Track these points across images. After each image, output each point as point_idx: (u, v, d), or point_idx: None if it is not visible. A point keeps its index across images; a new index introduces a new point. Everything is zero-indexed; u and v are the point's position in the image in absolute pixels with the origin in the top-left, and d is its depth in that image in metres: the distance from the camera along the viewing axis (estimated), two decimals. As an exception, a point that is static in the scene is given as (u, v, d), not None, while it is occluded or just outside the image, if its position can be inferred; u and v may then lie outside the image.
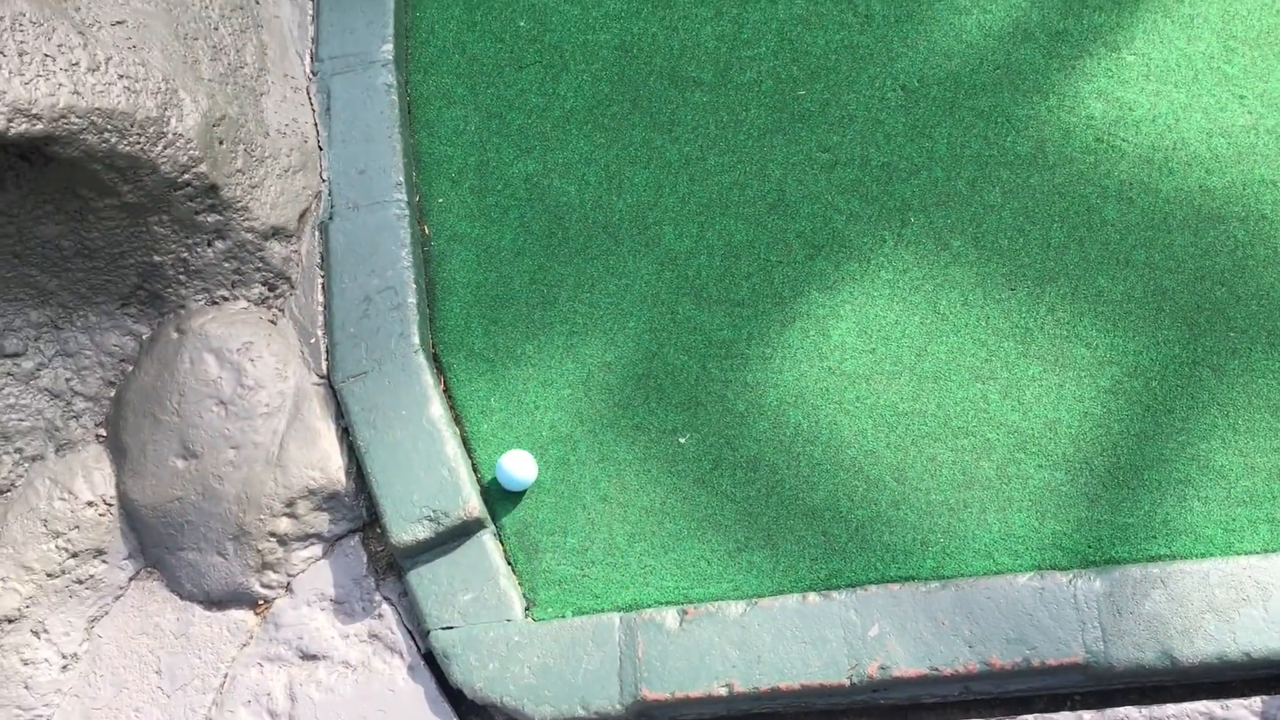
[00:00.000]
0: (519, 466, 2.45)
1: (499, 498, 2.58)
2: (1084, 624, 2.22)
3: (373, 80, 2.97)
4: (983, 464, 2.48)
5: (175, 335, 2.62)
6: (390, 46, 3.01)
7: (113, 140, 2.32)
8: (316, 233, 2.81)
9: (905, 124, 2.85)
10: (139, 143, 2.36)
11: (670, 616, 2.35)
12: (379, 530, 2.55)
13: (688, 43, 3.04)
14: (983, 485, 2.46)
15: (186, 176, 2.47)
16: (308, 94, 2.98)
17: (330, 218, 2.83)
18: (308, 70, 3.03)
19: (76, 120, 2.24)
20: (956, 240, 2.71)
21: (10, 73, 2.15)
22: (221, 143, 2.57)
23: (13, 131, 2.14)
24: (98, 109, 2.28)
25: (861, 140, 2.85)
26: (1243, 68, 2.78)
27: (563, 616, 2.41)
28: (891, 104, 2.88)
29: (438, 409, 2.57)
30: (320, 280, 2.76)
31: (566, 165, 2.94)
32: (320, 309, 2.73)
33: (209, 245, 2.60)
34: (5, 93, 2.13)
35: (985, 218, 2.72)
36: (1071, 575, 2.28)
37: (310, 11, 3.12)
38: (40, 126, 2.19)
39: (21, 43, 2.20)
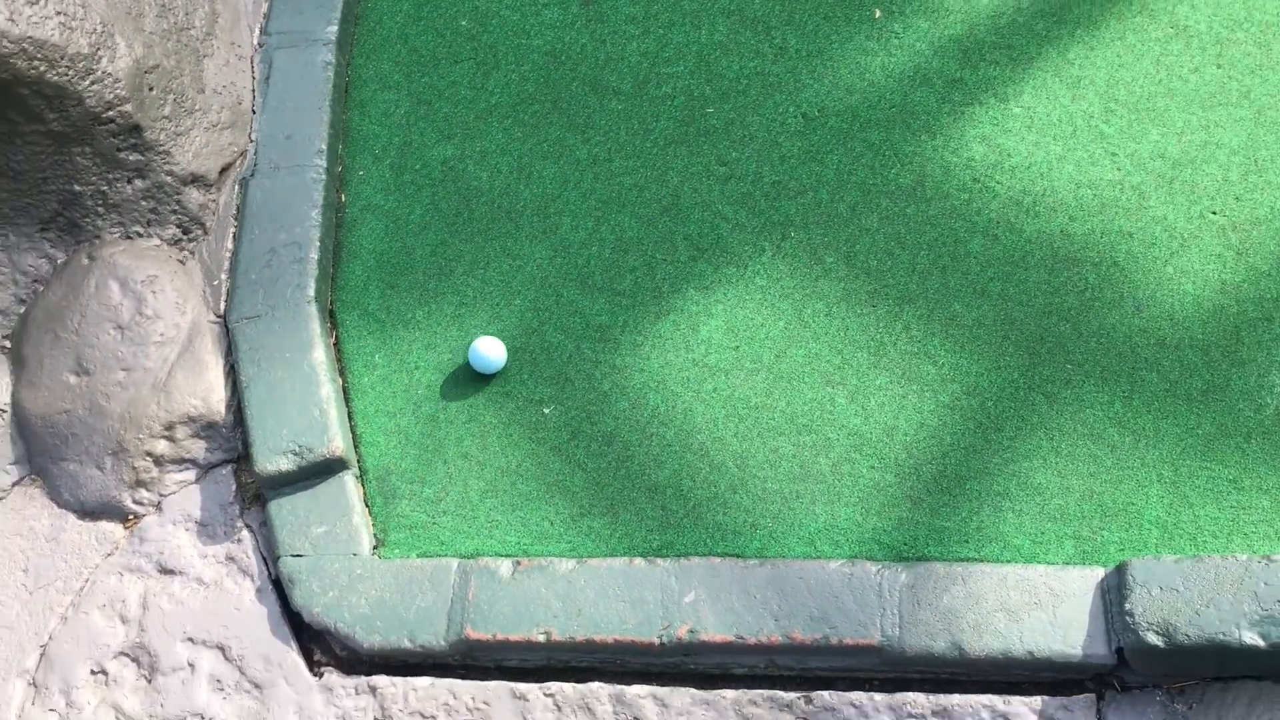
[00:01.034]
0: (490, 348, 2.62)
1: (367, 444, 2.74)
2: (884, 610, 2.36)
3: (313, 57, 3.18)
4: (820, 460, 2.63)
5: (86, 261, 2.80)
6: (335, 29, 3.22)
7: (42, 69, 2.51)
8: (236, 187, 3.00)
9: (800, 148, 3.04)
10: (67, 75, 2.56)
11: (505, 566, 2.49)
12: (249, 463, 2.71)
13: (612, 55, 3.25)
14: (817, 479, 2.60)
15: (111, 114, 2.66)
16: (250, 63, 3.18)
17: (252, 175, 3.02)
18: (254, 42, 3.24)
19: (8, 45, 2.43)
20: (830, 257, 2.88)
21: (-49, -6, 2.36)
22: (151, 89, 2.76)
23: (-55, 46, 2.34)
24: (29, 37, 2.47)
25: (758, 158, 3.04)
26: (1119, 128, 2.97)
27: (406, 558, 2.55)
28: (791, 129, 3.07)
29: (320, 355, 2.73)
30: (232, 230, 2.94)
31: (483, 154, 3.13)
32: (228, 256, 2.91)
33: (128, 182, 2.78)
34: (-57, 10, 2.33)
35: (860, 239, 2.90)
36: (881, 566, 2.42)
37: (267, -10, 3.34)
38: (-27, 46, 2.39)
39: (-33, -32, 2.41)
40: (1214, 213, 2.82)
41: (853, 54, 3.17)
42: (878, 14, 3.23)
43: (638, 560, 2.48)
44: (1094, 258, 2.80)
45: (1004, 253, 2.83)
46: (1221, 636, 2.18)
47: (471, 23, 3.36)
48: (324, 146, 3.01)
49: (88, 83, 2.61)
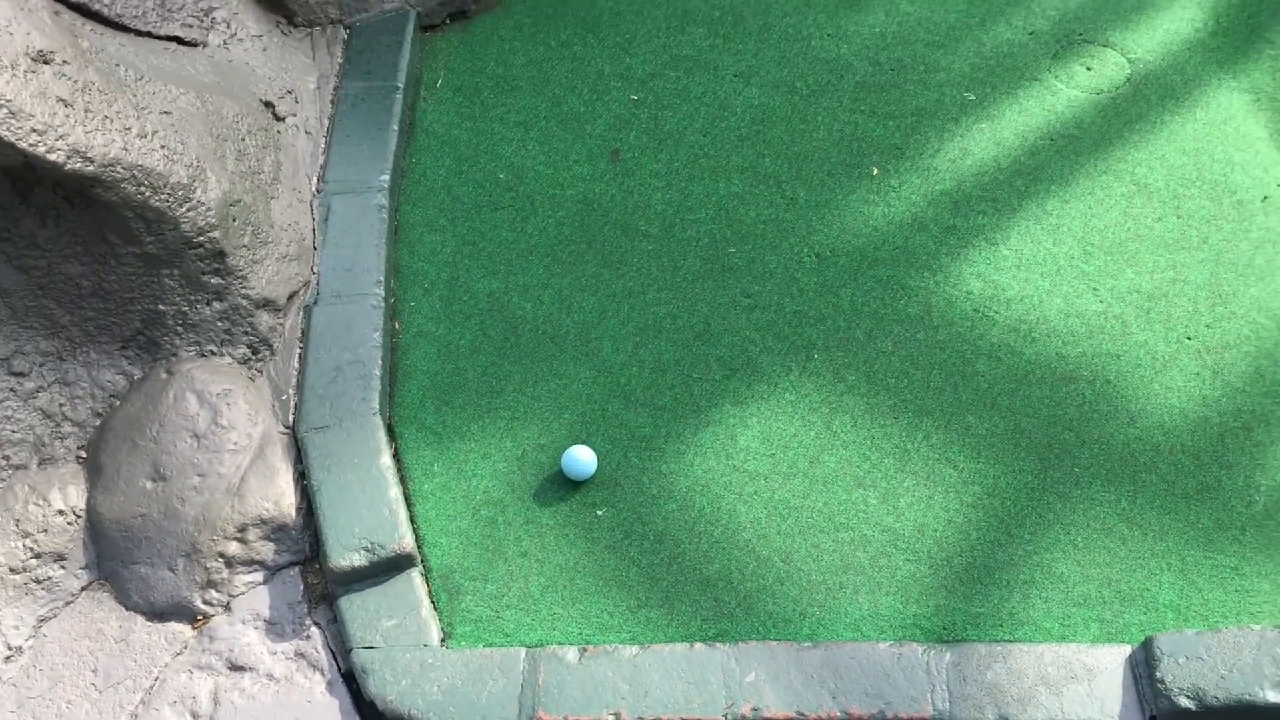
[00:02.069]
0: (583, 453, 2.83)
1: (430, 545, 2.88)
2: (934, 686, 2.52)
3: (368, 201, 3.47)
4: (859, 554, 2.83)
5: (164, 375, 2.97)
6: (387, 178, 3.53)
7: (147, 194, 2.76)
8: (301, 313, 3.22)
9: (816, 282, 3.37)
10: (168, 201, 2.81)
11: (571, 653, 2.62)
12: (318, 565, 2.83)
13: (640, 204, 3.59)
14: (857, 571, 2.80)
15: (201, 239, 2.90)
16: (310, 206, 3.46)
17: (315, 302, 3.25)
18: (313, 188, 3.53)
19: (121, 170, 2.69)
20: (851, 375, 3.17)
21: (75, 122, 2.62)
22: (234, 220, 3.02)
23: (69, 167, 2.58)
24: (140, 165, 2.73)
25: (779, 291, 3.36)
26: (1097, 267, 3.35)
27: (474, 648, 2.67)
28: (806, 266, 3.41)
29: (387, 460, 2.91)
30: (298, 351, 3.14)
31: (525, 287, 3.41)
32: (294, 374, 3.10)
33: (208, 304, 3.00)
34: (69, 135, 2.58)
35: (877, 360, 3.19)
36: (926, 646, 2.60)
37: (322, 145, 3.66)
38: (91, 168, 2.63)
39: (88, 102, 2.68)
40: (1189, 338, 3.17)
41: (856, 204, 3.55)
42: (875, 171, 3.63)
43: (698, 645, 2.63)
44: (1088, 376, 3.11)
45: (1007, 372, 3.14)
46: (1247, 697, 2.39)
47: (509, 175, 3.70)
48: (381, 278, 3.26)
49: (184, 209, 2.85)
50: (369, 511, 2.81)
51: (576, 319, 3.33)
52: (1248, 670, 2.41)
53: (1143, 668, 2.50)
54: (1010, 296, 3.28)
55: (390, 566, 2.76)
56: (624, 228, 3.51)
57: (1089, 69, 3.85)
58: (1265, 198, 3.44)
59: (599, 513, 2.94)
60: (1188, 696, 2.40)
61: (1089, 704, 2.48)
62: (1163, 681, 2.43)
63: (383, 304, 3.23)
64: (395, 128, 3.61)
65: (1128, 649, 2.56)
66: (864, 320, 3.27)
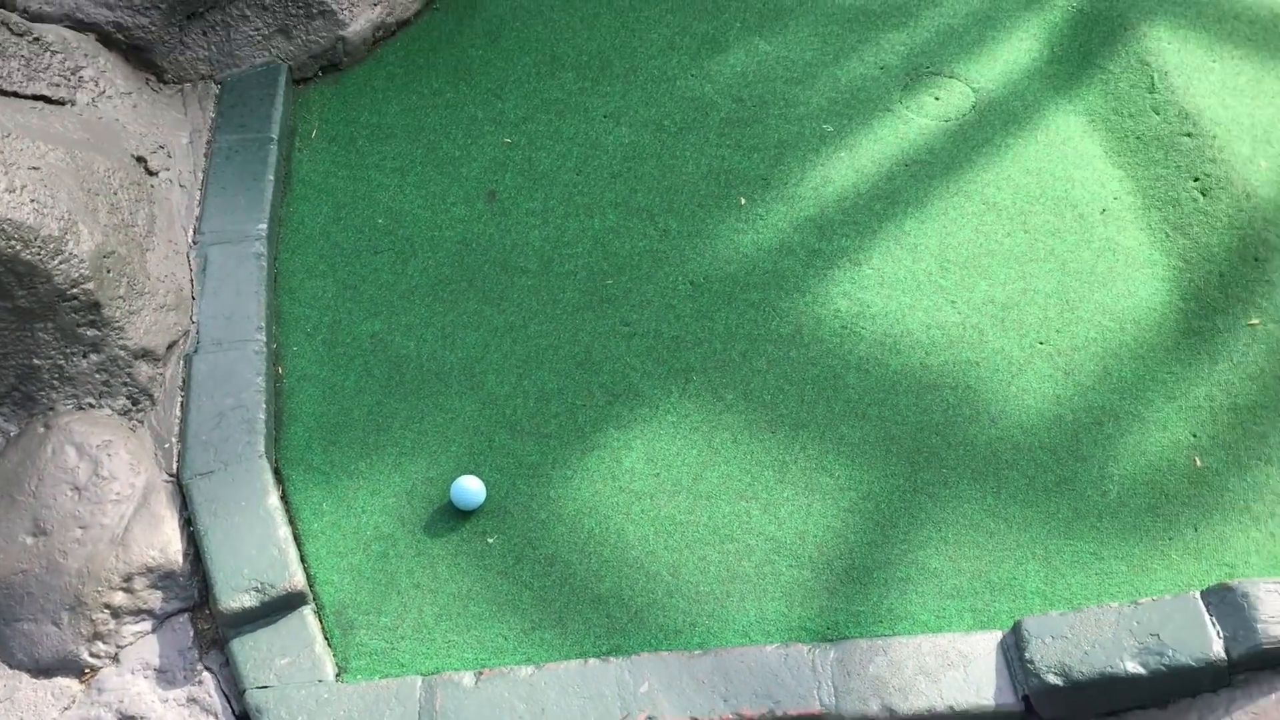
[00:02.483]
0: (471, 483, 2.90)
1: (321, 583, 2.90)
2: (820, 683, 2.63)
3: (246, 250, 3.49)
4: (744, 563, 2.93)
5: (42, 430, 2.94)
6: (264, 227, 3.56)
7: (17, 248, 2.75)
8: (182, 362, 3.22)
9: (692, 309, 3.49)
10: (40, 254, 2.80)
11: (468, 677, 2.66)
12: (208, 610, 2.82)
13: (518, 241, 3.68)
14: (743, 580, 2.90)
15: (75, 291, 2.90)
16: (187, 257, 3.47)
17: (196, 351, 3.25)
18: (190, 240, 3.54)
19: (-10, 225, 2.68)
20: (729, 394, 3.29)
21: (-58, 179, 2.61)
22: (109, 271, 3.02)
23: (-65, 224, 2.57)
24: (9, 219, 2.73)
25: (656, 319, 3.47)
26: (954, 281, 3.54)
27: (370, 680, 2.69)
28: (682, 294, 3.53)
29: (274, 501, 2.92)
30: (180, 399, 3.14)
31: (408, 327, 3.46)
32: (177, 422, 3.10)
33: (85, 356, 2.98)
34: (-64, 191, 2.58)
35: (753, 379, 3.32)
36: (811, 646, 2.71)
37: (198, 198, 3.67)
38: (-41, 225, 2.63)
39: (-44, 160, 2.68)
40: (1041, 343, 3.38)
41: (726, 233, 3.70)
42: (743, 201, 3.79)
43: (592, 661, 2.69)
44: (950, 383, 3.29)
45: (876, 383, 3.30)
46: (1109, 669, 2.54)
47: (387, 220, 3.76)
48: (262, 324, 3.28)
49: (57, 262, 2.85)
50: (258, 552, 2.81)
51: (460, 355, 3.39)
52: (1108, 645, 2.56)
53: (1013, 650, 2.64)
54: (875, 313, 3.45)
55: (282, 605, 2.77)
56: (503, 265, 3.60)
57: (937, 99, 4.08)
58: (1104, 210, 3.68)
59: (490, 540, 2.99)
60: (1055, 674, 2.54)
61: (966, 689, 2.61)
62: (1032, 661, 2.57)
63: (264, 350, 3.25)
64: (271, 178, 3.65)
65: (999, 634, 2.70)
66: (739, 342, 3.40)
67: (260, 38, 3.98)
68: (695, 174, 3.87)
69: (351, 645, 2.79)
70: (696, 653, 2.69)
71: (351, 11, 4.08)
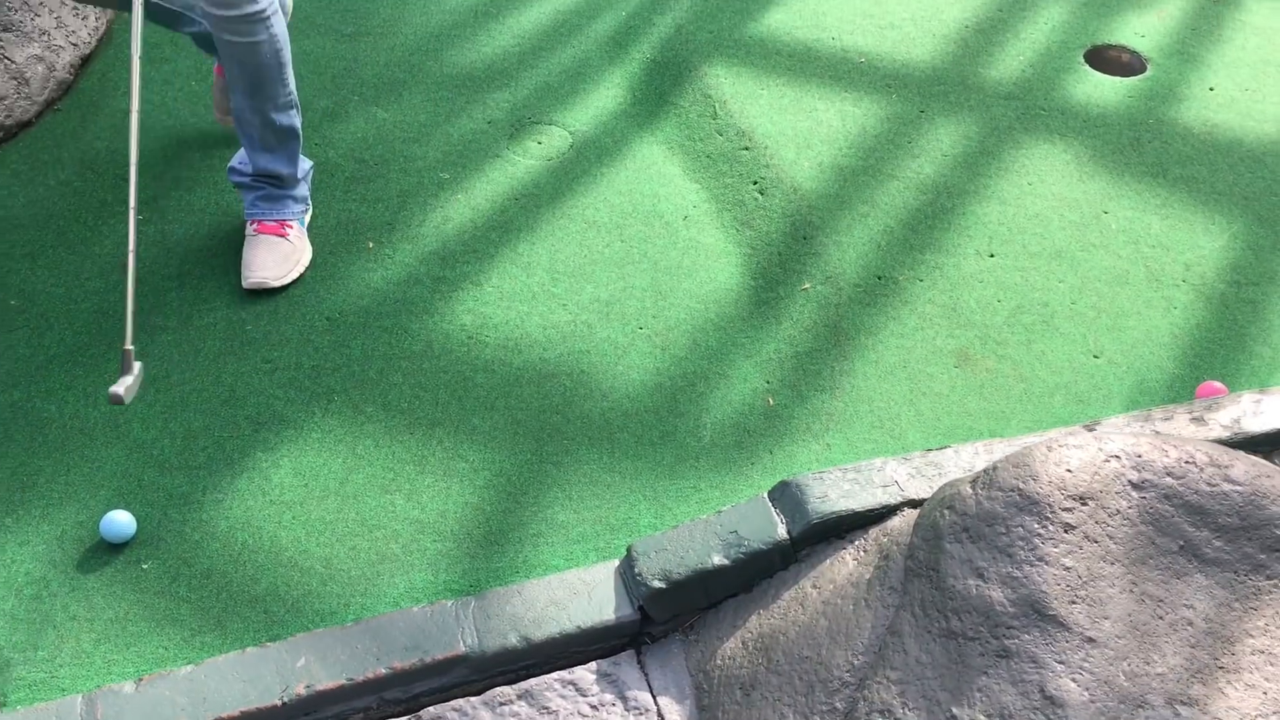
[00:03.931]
0: (120, 516, 3.09)
1: (-27, 631, 2.96)
2: (463, 629, 2.94)
3: None
4: (392, 546, 3.23)
5: None
6: (-114, 318, 3.59)
7: None
8: None
9: (329, 341, 3.80)
10: None
11: (128, 686, 2.79)
12: None
13: (156, 303, 3.88)
14: (392, 560, 3.19)
15: None
16: None
17: None
18: None
19: None
20: (370, 407, 3.60)
21: None
22: None
23: None
24: None
25: (296, 353, 3.75)
26: (565, 288, 4.02)
27: (29, 706, 2.78)
28: (319, 329, 3.84)
29: (-86, 561, 2.96)
30: None
31: (49, 392, 3.58)
32: None
33: None
34: None
35: (390, 392, 3.65)
36: (455, 601, 3.03)
37: None
38: None
39: None
40: (641, 328, 3.90)
41: (358, 273, 4.05)
42: (370, 245, 4.16)
43: (250, 649, 2.90)
44: (567, 370, 3.75)
45: (501, 380, 3.71)
46: (701, 566, 3.00)
47: (21, 300, 3.87)
48: (-110, 406, 3.32)
49: None
50: (-101, 610, 2.85)
51: (103, 411, 3.54)
52: (700, 548, 3.02)
53: (627, 570, 3.05)
54: (497, 322, 3.87)
55: (-71, 655, 2.81)
56: (142, 325, 3.78)
57: (539, 143, 4.63)
58: (685, 217, 4.30)
59: (145, 566, 3.14)
60: (659, 580, 2.97)
61: (590, 610, 3.00)
62: (640, 574, 3.00)
63: (-106, 428, 3.28)
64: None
65: (615, 562, 3.12)
66: (375, 363, 3.73)
67: None
68: (325, 227, 4.21)
69: (9, 681, 2.86)
70: (350, 625, 2.95)
71: (-37, 111, 4.19)
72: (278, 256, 3.93)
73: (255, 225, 3.98)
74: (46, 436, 3.46)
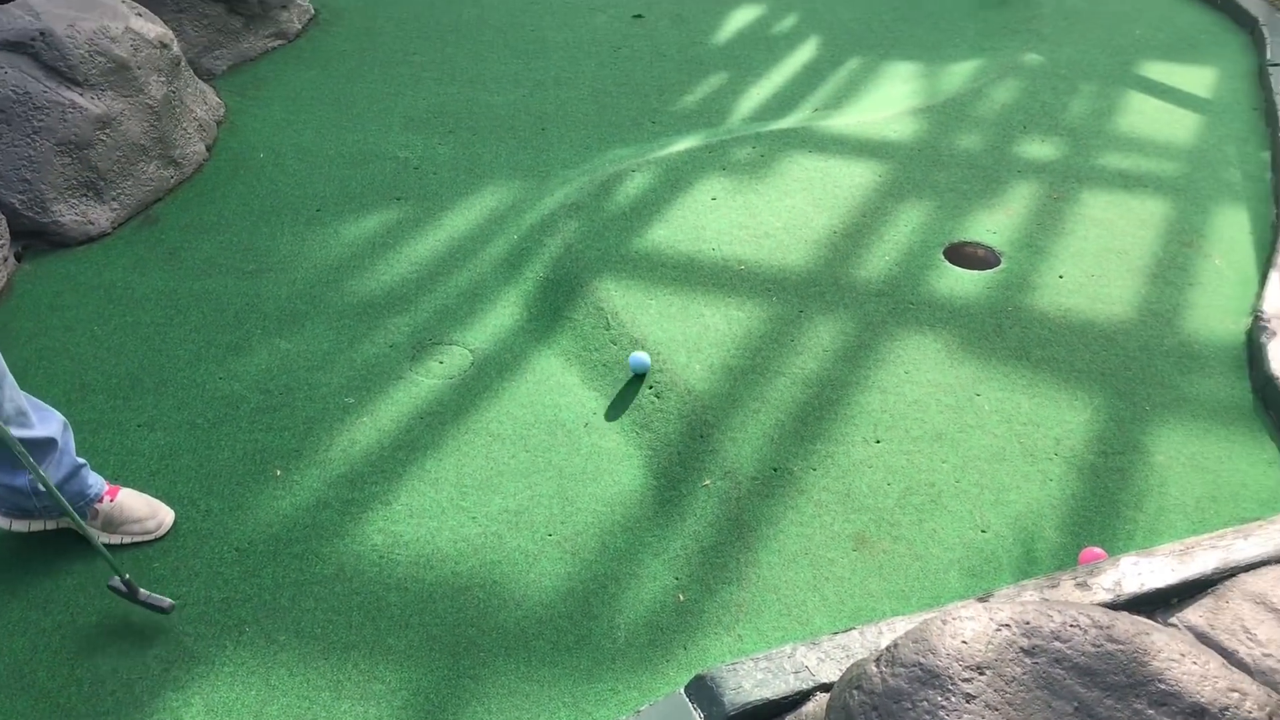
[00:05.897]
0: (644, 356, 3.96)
1: None
2: None
3: None
4: (310, 777, 3.18)
5: None
6: None
7: None
8: None
9: (238, 572, 3.81)
10: None
11: None
12: None
13: (63, 549, 3.86)
14: (310, 791, 3.14)
15: None
16: None
17: None
18: None
19: None
20: (283, 636, 3.60)
21: None
22: None
23: None
24: None
25: (206, 585, 3.75)
26: (473, 501, 4.13)
27: None
28: (228, 560, 3.85)
29: None
30: None
31: (-53, 647, 3.50)
32: None
33: None
34: None
35: (303, 618, 3.66)
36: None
37: None
38: None
39: None
40: (550, 535, 4.01)
41: (266, 501, 4.10)
42: (279, 472, 4.23)
43: None
44: (479, 583, 3.81)
45: (415, 597, 3.75)
46: (624, 769, 3.02)
47: (-82, 554, 3.82)
48: None
49: None
50: None
51: (8, 660, 3.47)
52: (622, 750, 3.05)
53: (551, 780, 3.06)
54: (408, 539, 3.94)
55: None
56: (46, 570, 3.75)
57: (441, 362, 4.81)
58: (586, 424, 4.47)
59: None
60: (584, 786, 2.98)
61: None
62: (565, 782, 3.00)
63: None
64: None
65: (540, 772, 3.12)
66: (287, 590, 3.75)
67: None
68: (231, 458, 4.27)
69: None
70: None
71: None
72: None
73: None
74: (-55, 693, 3.37)
